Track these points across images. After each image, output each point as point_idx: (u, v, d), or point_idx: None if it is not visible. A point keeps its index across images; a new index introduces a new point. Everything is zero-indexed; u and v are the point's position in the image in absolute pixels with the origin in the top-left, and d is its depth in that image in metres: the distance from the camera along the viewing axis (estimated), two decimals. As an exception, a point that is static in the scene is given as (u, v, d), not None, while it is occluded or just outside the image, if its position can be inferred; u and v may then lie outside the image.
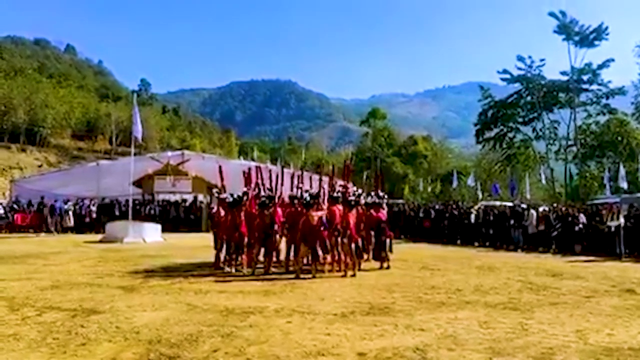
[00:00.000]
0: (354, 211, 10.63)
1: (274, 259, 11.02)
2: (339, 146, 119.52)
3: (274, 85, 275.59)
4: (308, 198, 10.31)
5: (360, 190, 12.55)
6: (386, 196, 13.27)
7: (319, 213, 10.15)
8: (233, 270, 10.40)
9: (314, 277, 9.74)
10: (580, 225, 16.02)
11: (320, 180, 12.14)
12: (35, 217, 24.44)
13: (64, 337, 5.21)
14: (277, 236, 10.86)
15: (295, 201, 11.03)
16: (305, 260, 10.29)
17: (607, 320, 6.29)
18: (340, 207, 10.53)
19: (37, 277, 9.45)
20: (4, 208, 24.92)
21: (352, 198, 10.87)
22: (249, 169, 12.26)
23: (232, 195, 10.97)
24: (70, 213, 24.30)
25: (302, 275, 9.74)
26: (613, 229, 15.18)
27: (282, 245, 11.24)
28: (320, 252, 10.17)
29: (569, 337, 5.38)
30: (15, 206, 24.92)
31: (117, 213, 24.29)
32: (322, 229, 9.93)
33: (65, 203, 24.51)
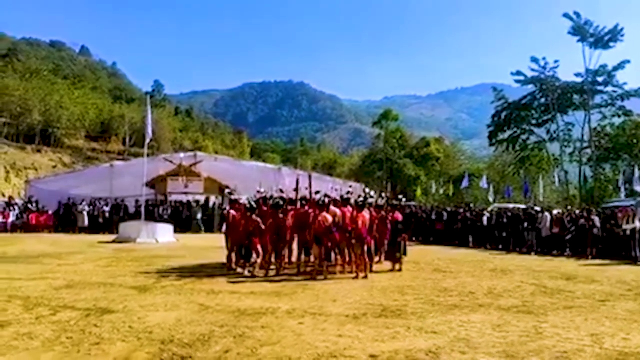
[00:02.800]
0: (364, 212, 10.59)
1: (286, 260, 11.03)
2: (351, 148, 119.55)
3: (286, 86, 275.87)
4: (324, 199, 10.29)
5: (372, 192, 12.55)
6: (404, 199, 13.27)
7: (330, 215, 10.14)
8: (245, 271, 10.41)
9: (325, 278, 9.74)
10: (595, 230, 15.78)
11: (333, 182, 12.14)
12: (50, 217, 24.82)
13: (78, 337, 5.25)
14: (289, 238, 10.86)
15: (304, 202, 11.03)
16: (318, 262, 10.27)
17: (623, 325, 6.21)
18: (351, 208, 10.52)
19: (52, 277, 9.54)
20: (19, 208, 25.22)
21: (362, 199, 10.84)
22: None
23: (248, 200, 11.00)
24: (85, 213, 24.54)
25: (317, 277, 9.74)
26: (628, 232, 15.00)
27: (294, 247, 11.25)
28: (332, 254, 10.17)
29: (584, 342, 5.32)
30: (30, 206, 25.20)
31: (121, 214, 24.59)
32: (334, 230, 9.93)
33: (80, 204, 24.79)
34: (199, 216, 25.61)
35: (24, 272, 10.27)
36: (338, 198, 11.25)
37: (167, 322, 5.94)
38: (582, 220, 16.27)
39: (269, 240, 10.44)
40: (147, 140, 20.82)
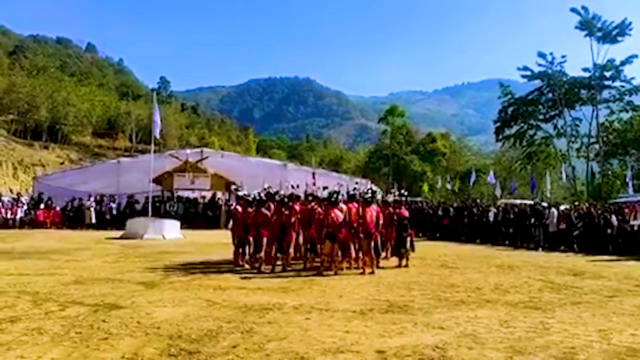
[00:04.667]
0: (371, 208, 10.59)
1: (292, 255, 11.04)
2: (357, 144, 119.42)
3: (292, 82, 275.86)
4: (336, 196, 10.30)
5: (377, 189, 12.55)
6: (406, 194, 13.23)
7: (340, 212, 10.14)
8: (252, 267, 10.44)
9: (335, 274, 9.76)
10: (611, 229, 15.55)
11: (339, 178, 12.12)
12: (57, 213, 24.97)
13: (87, 332, 5.28)
14: (295, 233, 10.87)
15: (310, 198, 11.03)
16: (329, 258, 10.24)
17: (631, 320, 6.19)
18: (356, 204, 10.52)
19: (60, 273, 9.59)
20: (27, 204, 25.37)
21: (369, 196, 10.83)
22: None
23: (253, 194, 10.99)
24: (92, 210, 24.66)
25: (324, 272, 9.76)
26: (636, 228, 14.92)
27: (300, 242, 11.26)
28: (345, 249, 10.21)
29: (591, 337, 5.30)
30: (41, 203, 25.34)
31: (128, 210, 24.70)
32: (342, 226, 9.94)
33: (87, 200, 24.94)
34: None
35: (32, 267, 10.34)
36: (344, 194, 11.25)
37: (174, 317, 5.96)
38: (602, 221, 16.07)
39: (274, 236, 10.44)
40: (157, 135, 20.84)
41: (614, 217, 15.79)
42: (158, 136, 21.26)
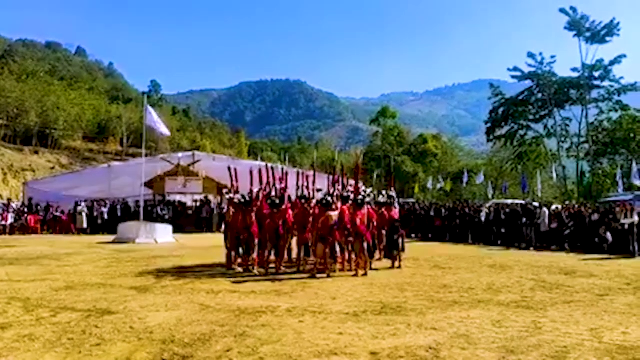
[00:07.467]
0: (363, 210, 10.60)
1: (286, 258, 11.03)
2: (349, 145, 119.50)
3: (283, 85, 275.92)
4: (328, 198, 10.29)
5: (369, 190, 12.55)
6: (396, 197, 13.21)
7: (335, 213, 10.14)
8: (245, 270, 10.41)
9: (328, 276, 9.75)
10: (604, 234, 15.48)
11: (333, 180, 12.10)
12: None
13: (79, 338, 5.25)
14: (289, 236, 10.86)
15: (303, 201, 11.02)
16: (322, 260, 10.24)
17: (622, 319, 6.24)
18: (349, 206, 10.53)
19: (52, 278, 9.52)
20: (16, 210, 25.17)
21: (361, 197, 10.84)
22: (260, 169, 12.12)
23: (243, 196, 10.98)
24: (84, 215, 24.51)
25: (317, 275, 9.75)
26: (627, 226, 15.02)
27: (294, 245, 11.26)
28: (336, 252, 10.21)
29: (583, 336, 5.34)
30: (26, 209, 25.15)
31: (119, 214, 24.55)
32: (334, 228, 9.94)
33: (79, 204, 24.78)
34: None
35: (23, 273, 10.26)
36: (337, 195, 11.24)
37: (167, 322, 5.94)
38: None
39: (267, 238, 10.42)
40: (168, 134, 20.77)
41: (609, 234, 15.60)
42: (169, 134, 21.18)
